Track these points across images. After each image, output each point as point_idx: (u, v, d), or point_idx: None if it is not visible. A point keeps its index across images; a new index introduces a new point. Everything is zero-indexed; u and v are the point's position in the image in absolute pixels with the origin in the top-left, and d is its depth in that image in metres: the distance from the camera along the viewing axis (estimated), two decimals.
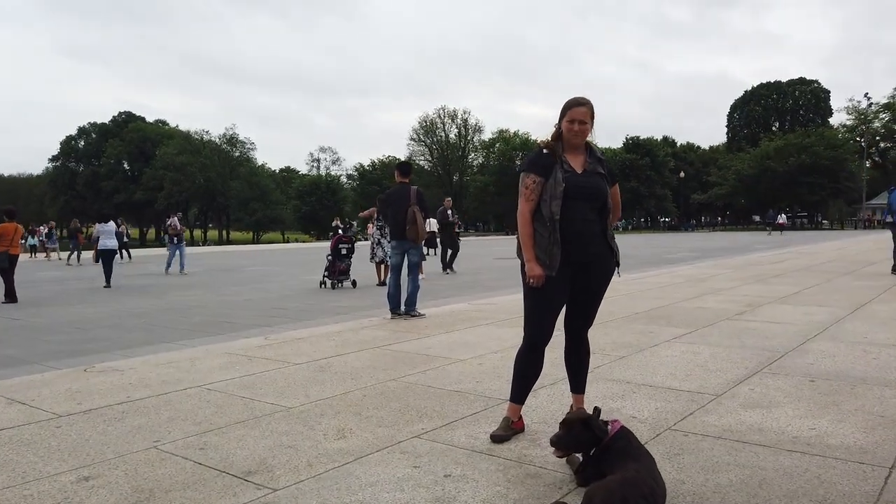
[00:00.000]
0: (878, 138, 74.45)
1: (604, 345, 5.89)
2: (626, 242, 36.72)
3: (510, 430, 3.56)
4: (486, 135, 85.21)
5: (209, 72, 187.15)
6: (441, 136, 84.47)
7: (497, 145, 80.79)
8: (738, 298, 9.26)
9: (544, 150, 3.53)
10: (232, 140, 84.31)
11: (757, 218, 70.10)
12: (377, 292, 12.26)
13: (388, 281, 8.54)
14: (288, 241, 69.69)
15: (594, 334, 3.95)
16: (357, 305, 10.19)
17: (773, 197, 64.52)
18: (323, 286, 13.17)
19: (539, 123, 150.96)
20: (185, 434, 3.73)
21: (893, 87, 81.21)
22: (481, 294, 10.99)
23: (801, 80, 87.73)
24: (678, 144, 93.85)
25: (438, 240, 17.82)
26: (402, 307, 8.18)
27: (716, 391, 4.41)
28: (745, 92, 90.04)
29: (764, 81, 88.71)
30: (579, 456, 2.99)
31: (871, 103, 72.47)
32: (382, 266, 13.29)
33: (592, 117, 3.52)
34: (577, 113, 3.46)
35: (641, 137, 77.70)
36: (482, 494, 2.83)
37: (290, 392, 4.61)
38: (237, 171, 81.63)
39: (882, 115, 72.88)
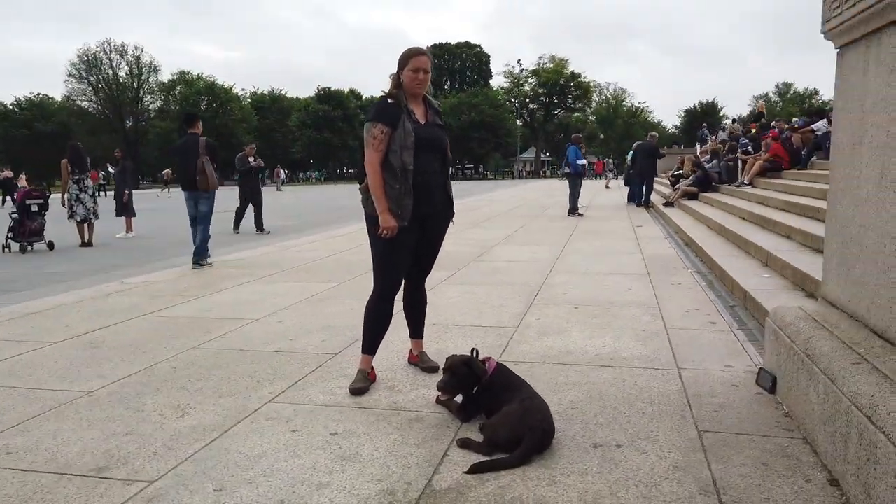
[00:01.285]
0: (527, 100, 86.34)
1: None
2: (324, 195, 37.30)
3: (367, 381, 3.58)
4: (164, 76, 77.51)
5: None
6: (108, 75, 74.18)
7: (178, 88, 74.08)
8: (470, 241, 10.22)
9: (389, 100, 3.51)
10: None
11: None
12: (86, 254, 10.71)
13: (192, 235, 8.32)
14: None
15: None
16: (77, 270, 8.77)
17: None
18: (5, 250, 10.98)
19: (220, 65, 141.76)
20: None
21: (538, 55, 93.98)
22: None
23: (468, 44, 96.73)
24: (363, 97, 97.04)
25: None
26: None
27: (511, 324, 4.95)
28: None
29: (436, 42, 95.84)
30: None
31: (523, 69, 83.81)
32: (85, 225, 11.58)
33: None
34: (421, 62, 3.49)
35: (332, 88, 78.43)
36: (383, 445, 2.84)
37: (74, 374, 3.91)
38: None
39: (531, 80, 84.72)
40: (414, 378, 3.75)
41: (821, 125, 12.31)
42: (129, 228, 13.30)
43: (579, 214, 14.50)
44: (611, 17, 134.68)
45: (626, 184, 18.48)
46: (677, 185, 15.21)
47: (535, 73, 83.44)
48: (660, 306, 5.41)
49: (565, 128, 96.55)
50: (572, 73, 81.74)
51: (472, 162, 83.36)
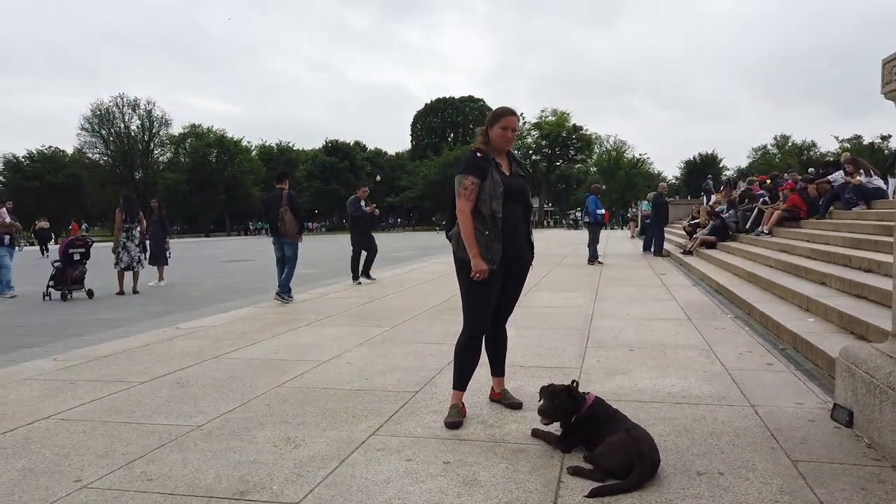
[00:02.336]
0: (530, 151, 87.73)
1: (435, 335, 6.33)
2: (335, 244, 37.50)
3: (460, 415, 3.78)
4: (175, 129, 79.09)
5: None
6: (120, 128, 75.72)
7: (189, 140, 75.50)
8: None
9: (478, 154, 3.82)
10: None
11: (434, 218, 77.39)
12: (127, 302, 10.94)
13: (278, 273, 9.72)
14: None
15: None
16: (125, 317, 8.99)
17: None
18: (47, 298, 11.21)
19: (223, 119, 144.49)
20: (105, 468, 3.17)
21: (540, 109, 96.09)
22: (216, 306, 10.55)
23: (471, 98, 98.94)
24: (368, 149, 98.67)
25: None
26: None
27: (574, 365, 5.16)
28: (426, 105, 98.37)
29: (440, 97, 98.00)
30: (547, 429, 3.39)
31: (525, 122, 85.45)
32: (130, 273, 11.87)
33: None
34: (510, 122, 3.83)
35: (339, 141, 79.87)
36: (497, 472, 3.04)
37: (176, 410, 4.12)
38: None
39: (533, 133, 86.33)
40: (501, 414, 3.94)
41: (836, 176, 12.67)
42: (161, 277, 13.56)
43: (599, 262, 14.77)
44: (606, 73, 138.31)
45: (640, 233, 18.77)
46: (696, 235, 15.53)
47: (537, 125, 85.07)
48: (712, 349, 5.62)
49: (567, 179, 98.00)
50: (574, 125, 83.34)
51: None
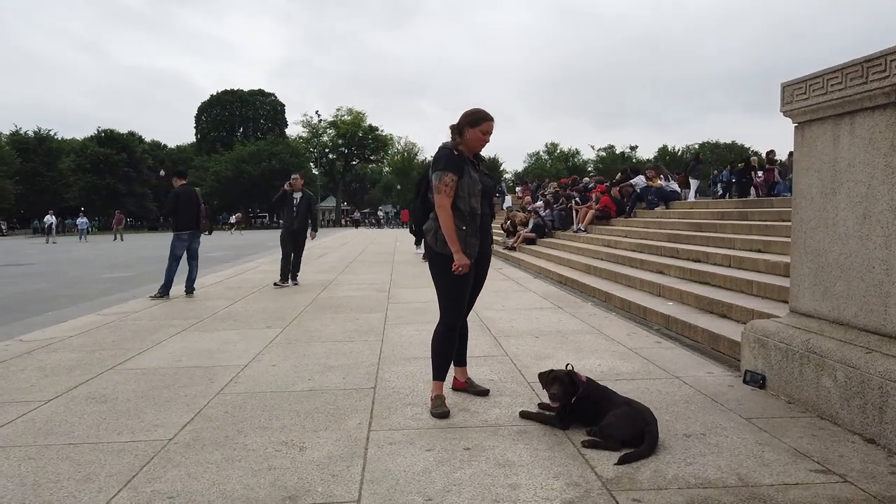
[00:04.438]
0: (326, 150, 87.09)
1: (334, 332, 6.28)
2: (134, 244, 34.11)
3: (445, 405, 3.88)
4: None
5: None
6: None
7: None
8: (361, 286, 10.47)
9: (455, 152, 3.95)
10: None
11: (225, 216, 73.80)
12: None
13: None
14: None
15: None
16: None
17: (248, 196, 69.18)
18: None
19: None
20: (103, 491, 2.80)
21: (336, 107, 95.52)
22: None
23: (262, 92, 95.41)
24: (145, 141, 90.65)
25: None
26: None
27: (497, 352, 5.46)
28: (211, 96, 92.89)
29: (227, 88, 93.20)
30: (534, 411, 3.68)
31: (321, 119, 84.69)
32: None
33: None
34: (491, 127, 3.97)
35: (114, 131, 72.22)
36: (521, 453, 3.22)
37: (120, 426, 3.69)
38: None
39: (329, 131, 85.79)
40: (474, 401, 4.11)
41: (638, 181, 14.54)
42: None
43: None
44: (400, 75, 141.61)
45: None
46: (518, 232, 16.76)
47: (333, 124, 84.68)
48: (602, 332, 6.27)
49: (361, 178, 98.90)
50: (370, 125, 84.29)
51: (265, 211, 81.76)
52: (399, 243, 24.66)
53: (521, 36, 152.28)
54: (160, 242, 31.24)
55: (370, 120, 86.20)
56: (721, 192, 22.76)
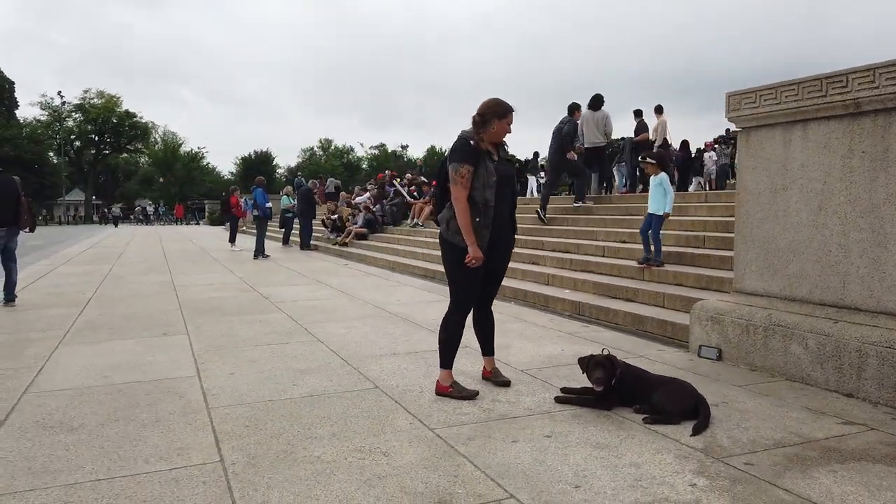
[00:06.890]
0: (72, 137, 76.98)
1: (254, 336, 5.79)
2: None
3: (466, 388, 3.93)
4: None
5: None
6: None
7: None
8: (226, 286, 9.59)
9: (471, 143, 3.91)
10: None
11: None
12: None
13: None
14: None
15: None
16: None
17: None
18: None
19: None
20: None
21: (83, 89, 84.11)
22: None
23: None
24: None
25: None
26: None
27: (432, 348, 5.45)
28: None
29: None
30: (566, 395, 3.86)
31: (65, 102, 74.62)
32: None
33: None
34: (512, 118, 4.00)
35: None
36: (598, 435, 3.34)
37: (129, 454, 3.06)
38: None
39: (75, 115, 75.90)
40: (500, 391, 4.11)
41: None
42: None
43: (265, 256, 14.50)
44: (154, 58, 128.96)
45: (281, 226, 18.92)
46: (350, 228, 16.49)
47: (80, 107, 75.08)
48: (526, 320, 6.56)
49: (113, 170, 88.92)
50: (127, 111, 76.32)
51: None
52: (197, 240, 22.80)
53: (288, 28, 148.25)
54: None
55: (126, 105, 78.04)
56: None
